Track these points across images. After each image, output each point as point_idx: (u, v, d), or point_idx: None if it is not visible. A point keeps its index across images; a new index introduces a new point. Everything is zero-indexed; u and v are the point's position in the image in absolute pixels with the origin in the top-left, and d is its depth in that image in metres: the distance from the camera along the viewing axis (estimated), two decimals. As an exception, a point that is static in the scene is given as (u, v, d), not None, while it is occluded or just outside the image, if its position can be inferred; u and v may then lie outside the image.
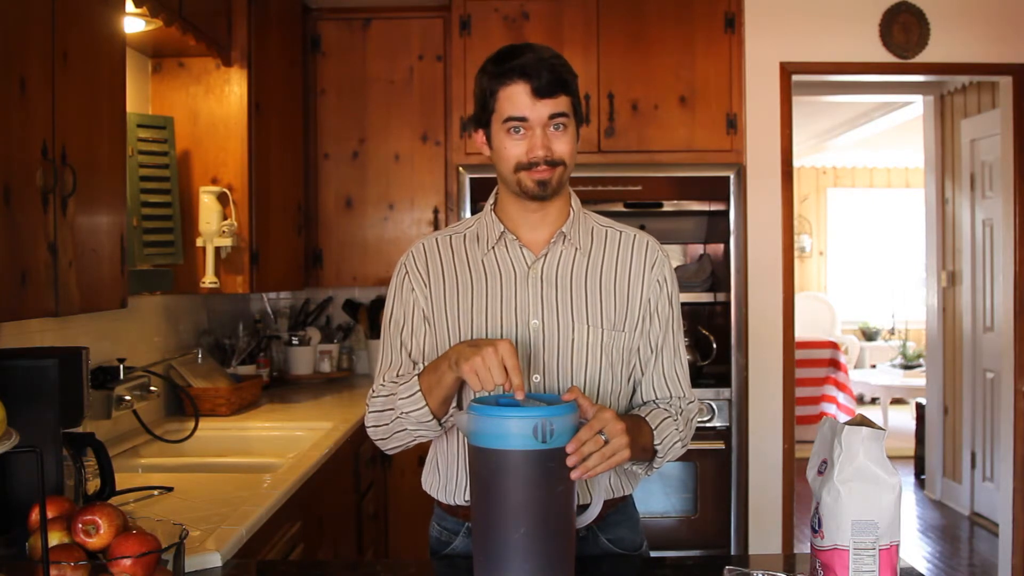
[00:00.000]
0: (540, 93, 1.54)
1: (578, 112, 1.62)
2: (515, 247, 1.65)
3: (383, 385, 1.65)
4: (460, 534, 1.69)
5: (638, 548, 1.74)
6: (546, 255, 1.65)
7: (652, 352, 1.69)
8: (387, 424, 1.61)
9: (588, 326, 1.62)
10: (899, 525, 1.34)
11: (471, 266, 1.66)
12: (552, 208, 1.65)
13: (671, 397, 1.71)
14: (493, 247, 1.66)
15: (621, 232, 1.70)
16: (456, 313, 1.64)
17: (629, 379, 1.69)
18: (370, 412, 1.65)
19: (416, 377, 1.56)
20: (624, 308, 1.65)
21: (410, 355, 1.66)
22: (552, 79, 1.55)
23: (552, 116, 1.56)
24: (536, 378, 1.61)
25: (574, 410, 1.38)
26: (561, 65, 1.58)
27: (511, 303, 1.63)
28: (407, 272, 1.68)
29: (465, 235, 1.70)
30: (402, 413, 1.56)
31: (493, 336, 1.61)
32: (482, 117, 1.62)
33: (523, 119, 1.55)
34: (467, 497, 1.65)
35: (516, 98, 1.55)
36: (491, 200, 1.71)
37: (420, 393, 1.54)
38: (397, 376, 1.64)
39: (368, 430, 1.68)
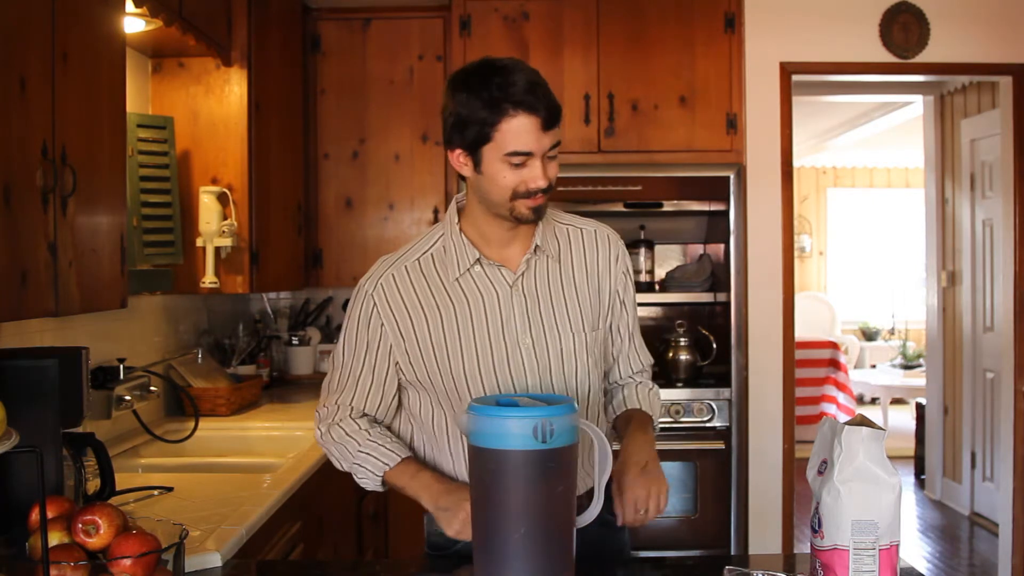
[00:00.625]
0: (545, 128, 1.51)
1: None
2: (492, 268, 1.63)
3: (337, 425, 1.68)
4: None
5: (621, 529, 1.73)
6: (524, 271, 1.64)
7: (623, 339, 1.77)
8: (337, 459, 1.69)
9: (572, 333, 1.65)
10: (899, 525, 1.34)
11: (447, 290, 1.62)
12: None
13: (643, 369, 1.82)
14: (469, 269, 1.62)
15: (582, 229, 1.73)
16: (442, 342, 1.60)
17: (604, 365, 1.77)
18: (320, 439, 1.71)
19: (385, 469, 1.61)
20: (598, 305, 1.70)
21: (369, 387, 1.67)
22: (553, 110, 1.52)
23: (553, 147, 1.55)
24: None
25: (574, 410, 1.38)
26: (550, 90, 1.54)
27: (498, 324, 1.61)
28: (375, 306, 1.63)
29: (432, 255, 1.65)
30: (359, 474, 1.66)
31: (485, 360, 1.60)
32: (474, 142, 1.53)
33: (529, 154, 1.51)
34: None
35: (523, 133, 1.50)
36: (455, 219, 1.65)
37: (382, 480, 1.63)
38: (352, 416, 1.67)
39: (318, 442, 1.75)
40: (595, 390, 1.69)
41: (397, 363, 1.65)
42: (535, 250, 1.64)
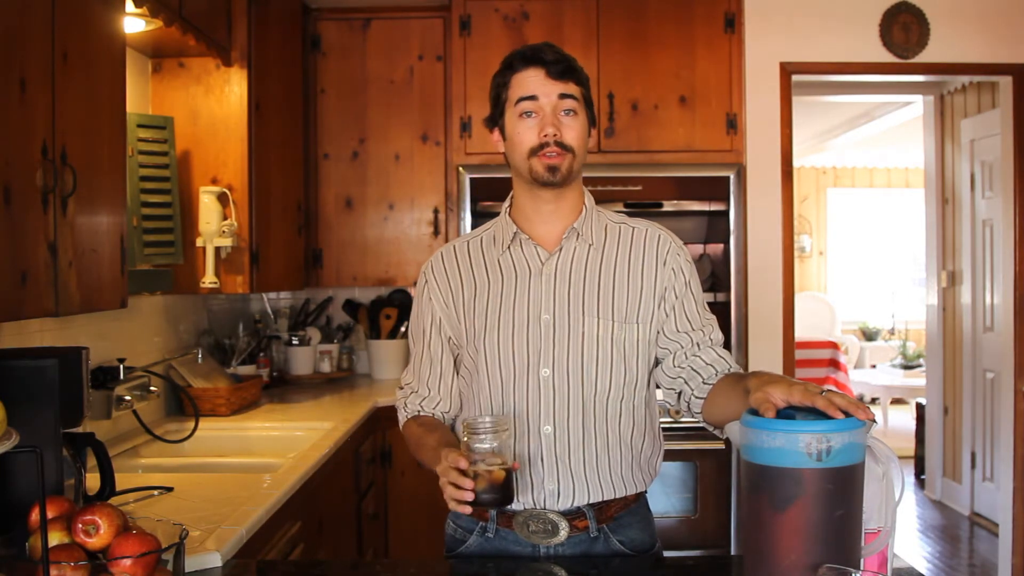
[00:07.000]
0: (551, 75, 1.60)
1: (589, 109, 1.67)
2: (529, 246, 1.68)
3: (416, 409, 1.78)
4: (474, 532, 1.70)
5: (650, 549, 1.72)
6: (559, 252, 1.67)
7: (695, 328, 1.67)
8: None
9: (598, 319, 1.63)
10: (889, 513, 1.32)
11: (488, 267, 1.70)
12: (565, 202, 1.68)
13: (730, 368, 1.67)
14: (508, 247, 1.69)
15: (634, 228, 1.72)
16: (472, 314, 1.68)
17: (648, 371, 1.69)
18: (401, 421, 1.82)
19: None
20: (637, 301, 1.66)
21: (432, 359, 1.76)
22: (563, 64, 1.61)
23: (562, 96, 1.60)
24: (545, 372, 1.63)
25: (858, 426, 1.22)
26: (572, 59, 1.64)
27: (524, 299, 1.66)
28: (426, 281, 1.76)
29: (482, 238, 1.75)
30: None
31: (506, 330, 1.65)
32: (496, 111, 1.67)
33: (533, 97, 1.60)
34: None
35: (528, 80, 1.61)
36: (507, 203, 1.75)
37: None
38: (420, 404, 1.78)
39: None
40: (617, 384, 1.64)
41: (450, 338, 1.73)
42: (574, 235, 1.68)
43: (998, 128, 4.26)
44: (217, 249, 2.90)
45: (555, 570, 1.59)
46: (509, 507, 1.64)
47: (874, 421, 1.28)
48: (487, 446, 1.45)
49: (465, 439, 1.47)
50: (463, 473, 1.42)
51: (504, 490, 1.45)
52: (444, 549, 1.77)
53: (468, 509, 1.43)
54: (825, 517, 1.20)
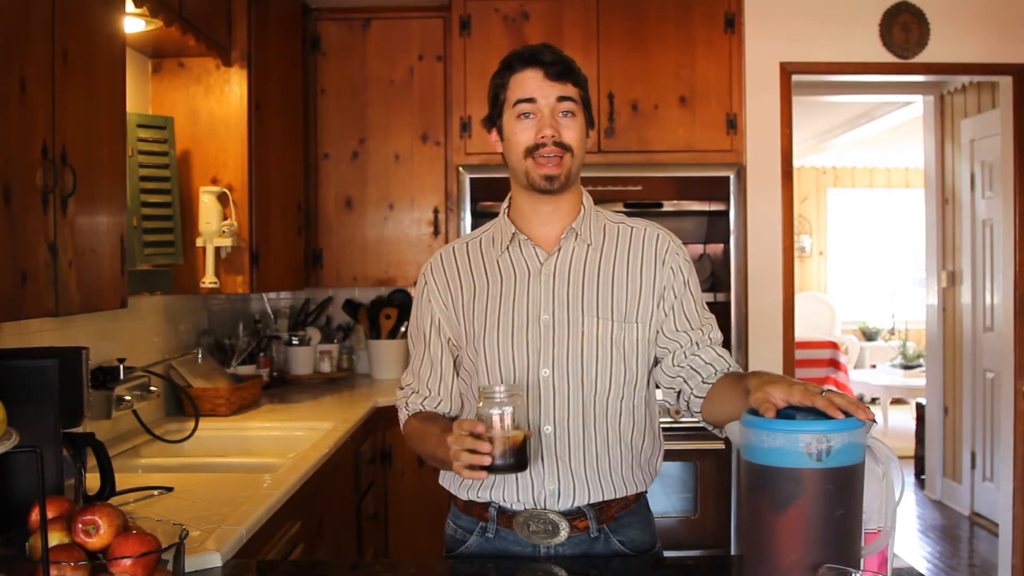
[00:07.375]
0: (549, 76, 1.60)
1: (588, 110, 1.68)
2: (528, 247, 1.69)
3: (417, 408, 1.77)
4: (474, 533, 1.70)
5: (650, 549, 1.73)
6: (558, 252, 1.67)
7: (694, 327, 1.68)
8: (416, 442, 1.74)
9: (598, 319, 1.63)
10: (889, 513, 1.32)
11: (487, 268, 1.71)
12: (563, 203, 1.68)
13: (729, 368, 1.68)
14: (507, 248, 1.69)
15: (632, 227, 1.72)
16: (472, 315, 1.68)
17: (648, 370, 1.69)
18: (402, 420, 1.80)
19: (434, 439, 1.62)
20: (636, 300, 1.66)
21: (432, 361, 1.75)
22: (561, 65, 1.62)
23: (560, 99, 1.61)
24: (545, 372, 1.63)
25: (858, 426, 1.22)
26: (571, 60, 1.65)
27: (523, 300, 1.66)
28: (425, 283, 1.76)
29: (481, 240, 1.75)
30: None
31: (505, 331, 1.65)
32: (494, 111, 1.67)
33: (532, 99, 1.60)
34: (481, 494, 1.67)
35: (526, 82, 1.61)
36: (505, 203, 1.75)
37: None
38: (421, 403, 1.76)
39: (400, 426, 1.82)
40: (617, 384, 1.64)
41: (449, 339, 1.73)
42: (572, 235, 1.68)
43: (998, 128, 4.26)
44: (217, 249, 2.90)
45: (555, 570, 1.59)
46: (510, 507, 1.64)
47: (874, 421, 1.28)
48: (502, 411, 1.45)
49: (480, 405, 1.47)
50: (479, 439, 1.42)
51: (520, 455, 1.45)
52: (444, 549, 1.77)
53: (483, 475, 1.42)
54: (825, 517, 1.20)
